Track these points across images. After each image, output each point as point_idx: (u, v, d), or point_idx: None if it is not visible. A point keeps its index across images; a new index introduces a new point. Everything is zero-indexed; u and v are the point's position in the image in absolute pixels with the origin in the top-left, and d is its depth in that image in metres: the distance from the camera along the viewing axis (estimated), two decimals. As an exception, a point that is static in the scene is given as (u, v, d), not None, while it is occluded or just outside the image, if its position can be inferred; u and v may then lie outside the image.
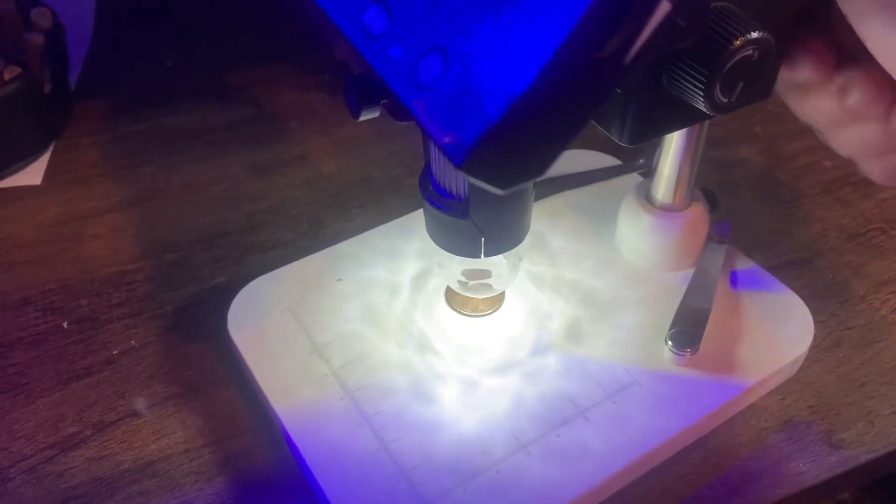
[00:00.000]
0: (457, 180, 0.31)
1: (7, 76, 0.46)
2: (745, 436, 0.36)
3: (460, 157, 0.20)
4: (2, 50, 0.47)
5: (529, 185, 0.32)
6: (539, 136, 0.20)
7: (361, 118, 0.28)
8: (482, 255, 0.33)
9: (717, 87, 0.27)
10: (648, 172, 0.42)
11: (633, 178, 0.47)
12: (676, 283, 0.40)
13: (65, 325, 0.41)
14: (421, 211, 0.44)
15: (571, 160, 0.47)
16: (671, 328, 0.37)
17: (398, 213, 0.44)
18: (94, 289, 0.42)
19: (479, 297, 0.38)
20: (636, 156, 0.47)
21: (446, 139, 0.20)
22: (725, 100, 0.27)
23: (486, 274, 0.37)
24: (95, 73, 0.57)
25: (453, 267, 0.36)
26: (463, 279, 0.37)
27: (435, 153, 0.32)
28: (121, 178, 0.49)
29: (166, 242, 0.45)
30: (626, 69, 0.20)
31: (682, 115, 0.30)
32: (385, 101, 0.28)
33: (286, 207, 0.48)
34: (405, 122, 0.28)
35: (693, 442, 0.36)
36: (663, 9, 0.19)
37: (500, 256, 0.35)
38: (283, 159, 0.51)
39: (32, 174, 0.49)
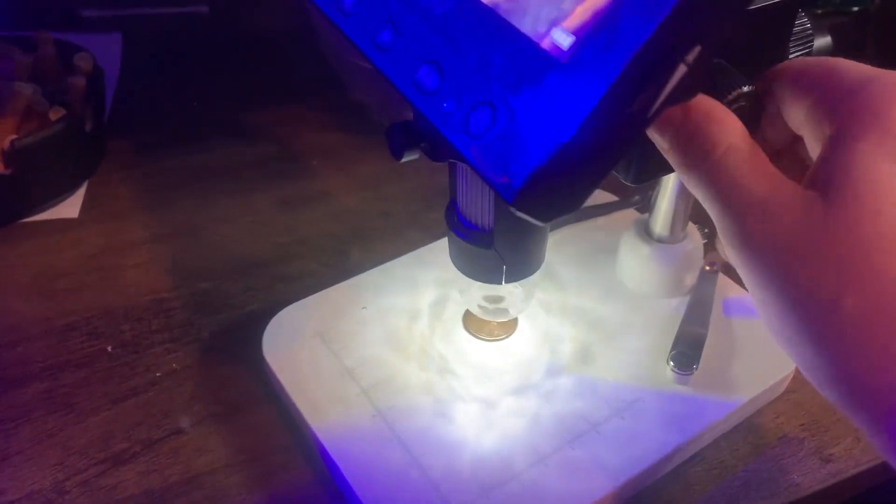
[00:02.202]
0: (482, 214, 0.35)
1: (53, 116, 0.49)
2: (743, 450, 0.39)
3: (511, 196, 0.23)
4: (45, 91, 0.51)
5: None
6: (576, 177, 0.24)
7: (403, 160, 0.32)
8: (503, 282, 0.37)
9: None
10: (643, 208, 0.46)
11: (630, 213, 0.51)
12: (673, 308, 0.44)
13: (109, 349, 0.44)
14: (438, 242, 0.48)
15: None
16: (672, 350, 0.41)
17: (417, 245, 0.48)
18: (134, 315, 0.46)
19: (496, 322, 0.42)
20: (632, 193, 0.51)
21: (499, 181, 0.24)
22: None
23: (502, 300, 0.40)
24: (124, 114, 0.60)
25: (473, 293, 0.40)
26: (483, 304, 0.40)
27: (463, 190, 0.35)
28: (154, 212, 0.53)
29: (201, 272, 0.48)
30: (649, 120, 0.24)
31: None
32: (424, 144, 0.31)
33: (312, 240, 0.51)
34: (438, 163, 0.32)
35: (695, 454, 0.39)
36: (680, 71, 0.23)
37: (516, 284, 0.38)
38: (308, 195, 0.55)
39: (69, 208, 0.52)
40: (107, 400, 0.41)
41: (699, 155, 0.26)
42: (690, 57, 0.23)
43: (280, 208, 0.54)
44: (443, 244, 0.47)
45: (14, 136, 0.48)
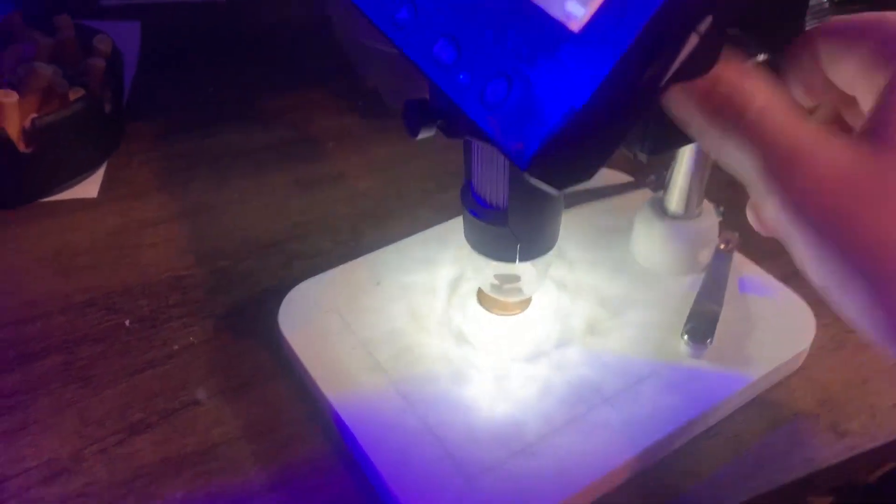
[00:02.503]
0: (497, 192, 0.35)
1: (72, 97, 0.50)
2: (758, 425, 0.39)
3: (525, 162, 0.24)
4: (65, 73, 0.51)
5: (561, 197, 0.36)
6: (589, 145, 0.24)
7: (419, 137, 0.32)
8: (517, 261, 0.37)
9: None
10: (658, 188, 0.46)
11: (644, 194, 0.51)
12: (687, 286, 0.44)
13: (127, 323, 0.44)
14: (451, 221, 0.48)
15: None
16: (686, 324, 0.41)
17: (430, 224, 0.48)
18: (152, 291, 0.46)
19: (510, 299, 0.42)
20: (647, 174, 0.51)
21: (514, 148, 0.24)
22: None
23: (516, 279, 0.40)
24: (142, 100, 0.61)
25: (488, 271, 0.40)
26: (496, 282, 0.40)
27: (478, 168, 0.35)
28: (172, 192, 0.53)
29: (218, 250, 0.49)
30: (660, 91, 0.24)
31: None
32: (440, 121, 0.32)
33: (327, 220, 0.51)
34: (453, 140, 0.32)
35: (709, 428, 0.39)
36: (692, 41, 0.23)
37: (530, 263, 0.39)
38: (322, 176, 0.55)
39: (89, 187, 0.53)
40: (124, 372, 0.41)
41: (735, 114, 0.25)
42: (702, 27, 0.23)
43: (294, 189, 0.54)
44: (456, 223, 0.48)
45: (35, 115, 0.48)
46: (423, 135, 0.32)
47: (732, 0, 0.24)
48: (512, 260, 0.37)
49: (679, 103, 0.26)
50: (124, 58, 0.56)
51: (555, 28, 0.24)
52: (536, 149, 0.24)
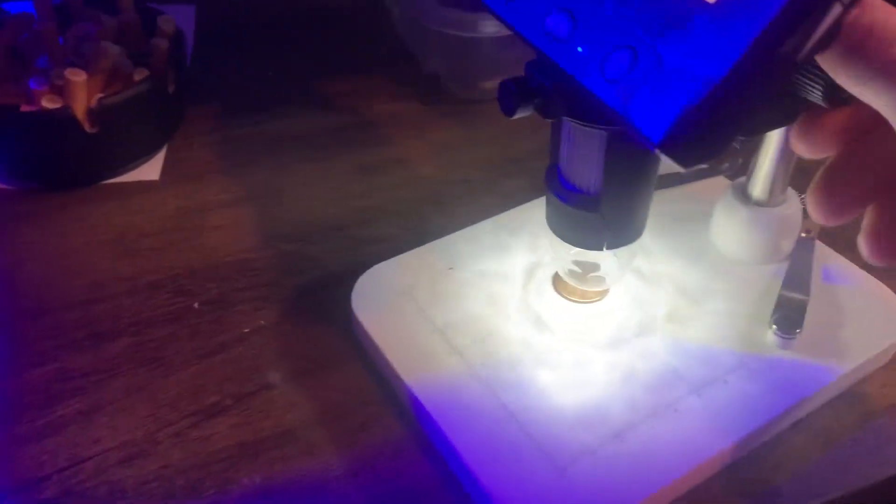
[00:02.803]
0: (589, 177, 0.34)
1: (137, 77, 0.50)
2: (848, 419, 0.38)
3: (659, 138, 0.23)
4: (129, 54, 0.51)
5: (654, 182, 0.35)
6: (723, 121, 0.23)
7: (516, 116, 0.31)
8: (604, 248, 0.36)
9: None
10: (733, 175, 0.45)
11: (720, 181, 0.50)
12: (768, 275, 0.43)
13: (196, 305, 0.43)
14: (519, 208, 0.47)
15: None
16: (774, 313, 0.39)
17: (496, 211, 0.47)
18: (219, 274, 0.45)
19: (589, 289, 0.41)
20: (722, 160, 0.50)
21: (642, 123, 0.23)
22: (844, 95, 0.30)
23: (597, 267, 0.39)
24: (199, 80, 0.60)
25: (568, 259, 0.39)
26: (576, 270, 0.39)
27: (568, 151, 0.34)
28: (234, 176, 0.52)
29: (284, 234, 0.48)
30: (797, 64, 0.23)
31: (791, 112, 0.32)
32: (537, 100, 0.31)
33: (391, 205, 0.51)
34: (548, 120, 0.31)
35: (797, 421, 0.38)
36: (836, 10, 0.22)
37: (613, 253, 0.37)
38: (384, 161, 0.54)
39: (151, 170, 0.52)
40: (195, 355, 0.41)
41: (884, 48, 0.23)
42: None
43: (357, 174, 0.53)
44: (524, 211, 0.47)
45: (101, 95, 0.48)
46: (520, 114, 0.31)
47: None
48: (599, 248, 0.36)
49: (838, 59, 0.24)
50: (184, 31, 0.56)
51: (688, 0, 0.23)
52: (670, 125, 0.23)
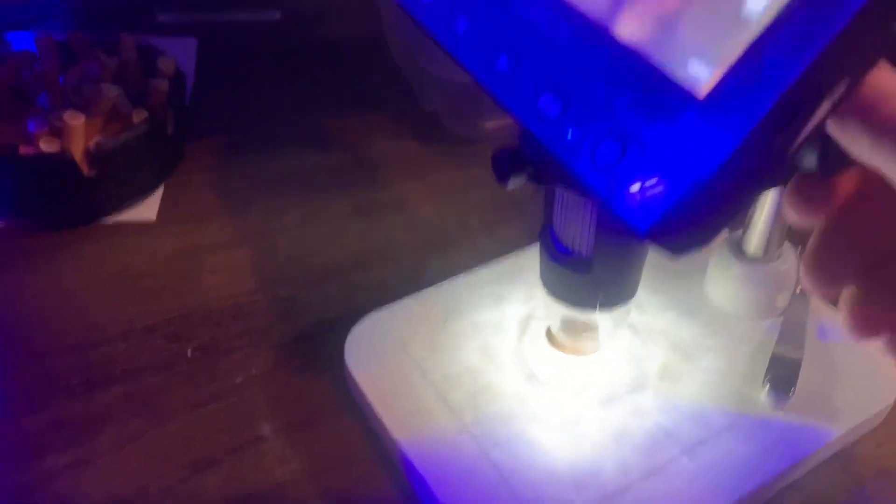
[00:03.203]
0: (582, 241, 0.34)
1: (135, 118, 0.50)
2: (842, 481, 0.38)
3: (645, 231, 0.23)
4: (128, 93, 0.51)
5: (646, 247, 0.35)
6: (713, 214, 0.23)
7: (509, 186, 0.31)
8: (597, 310, 0.36)
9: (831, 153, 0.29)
10: (731, 229, 0.45)
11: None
12: (762, 331, 0.43)
13: (189, 352, 0.43)
14: (515, 254, 0.47)
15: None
16: (767, 373, 0.39)
17: (492, 257, 0.47)
18: (213, 319, 0.45)
19: (582, 346, 0.41)
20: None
21: (629, 214, 0.23)
22: (839, 163, 0.30)
23: (592, 325, 0.39)
24: (199, 118, 0.60)
25: (561, 314, 0.39)
26: (570, 328, 0.39)
27: (561, 215, 0.34)
28: (231, 216, 0.53)
29: (279, 278, 0.48)
30: (789, 157, 0.23)
31: (787, 177, 0.32)
32: (531, 170, 0.31)
33: (388, 248, 0.51)
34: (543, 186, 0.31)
35: (791, 483, 0.37)
36: (825, 106, 0.22)
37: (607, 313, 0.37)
38: (382, 203, 0.54)
39: (148, 210, 0.52)
40: (187, 405, 0.41)
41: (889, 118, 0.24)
42: (837, 92, 0.22)
43: (355, 216, 0.53)
44: (521, 257, 0.47)
45: (99, 138, 0.48)
46: (514, 184, 0.31)
47: (870, 60, 0.23)
48: (592, 308, 0.36)
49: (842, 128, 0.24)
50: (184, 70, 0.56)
51: (676, 91, 0.23)
52: (657, 219, 0.23)
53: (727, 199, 0.23)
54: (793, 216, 0.30)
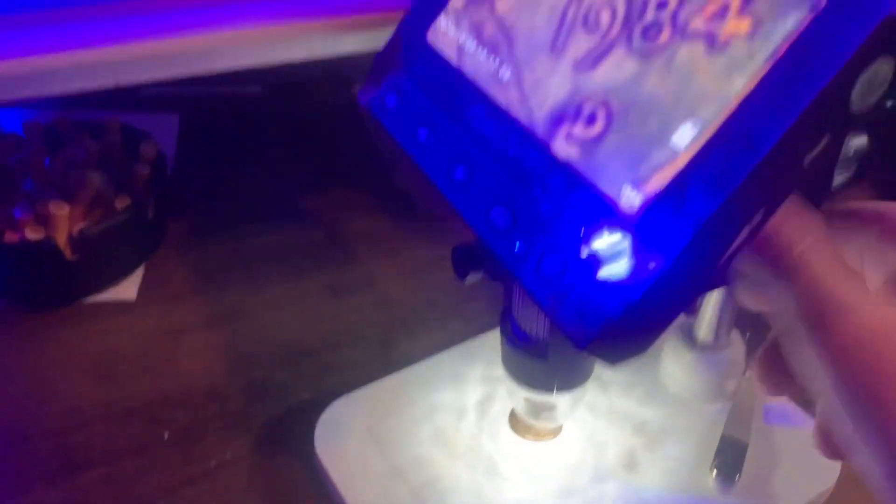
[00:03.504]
0: (537, 328, 0.36)
1: (119, 205, 0.52)
2: (783, 563, 0.40)
3: (583, 344, 0.25)
4: (111, 176, 0.53)
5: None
6: (647, 327, 0.25)
7: (466, 283, 0.33)
8: (554, 392, 0.38)
9: None
10: (688, 311, 0.47)
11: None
12: (715, 413, 0.45)
13: (165, 436, 0.45)
14: (482, 336, 0.50)
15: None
16: (714, 459, 0.41)
17: (460, 336, 0.49)
18: (190, 401, 0.47)
19: (542, 426, 0.43)
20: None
21: (569, 327, 0.25)
22: None
23: (550, 405, 0.41)
24: (180, 195, 0.63)
25: (521, 396, 0.41)
26: (530, 408, 0.41)
27: (518, 304, 0.37)
28: (209, 296, 0.55)
29: (253, 359, 0.50)
30: (714, 273, 0.25)
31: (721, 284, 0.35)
32: (487, 266, 0.33)
33: (359, 328, 0.53)
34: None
35: (736, 567, 0.40)
36: (745, 232, 0.25)
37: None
38: (355, 282, 0.56)
39: (128, 290, 0.54)
40: (163, 489, 0.42)
41: (779, 250, 0.27)
42: (755, 220, 0.25)
43: (328, 295, 0.55)
44: (486, 338, 0.49)
45: (83, 224, 0.50)
46: (471, 280, 0.34)
47: (785, 191, 0.25)
48: (549, 391, 0.38)
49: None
50: (165, 152, 0.58)
51: (612, 213, 0.25)
52: (595, 333, 0.25)
53: (660, 312, 0.25)
54: (765, 391, 0.32)
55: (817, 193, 0.35)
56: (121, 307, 0.53)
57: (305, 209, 0.63)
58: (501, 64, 0.30)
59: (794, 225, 0.27)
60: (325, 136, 0.72)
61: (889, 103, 0.80)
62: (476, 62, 0.31)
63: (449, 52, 0.32)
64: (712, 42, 0.24)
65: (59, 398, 0.47)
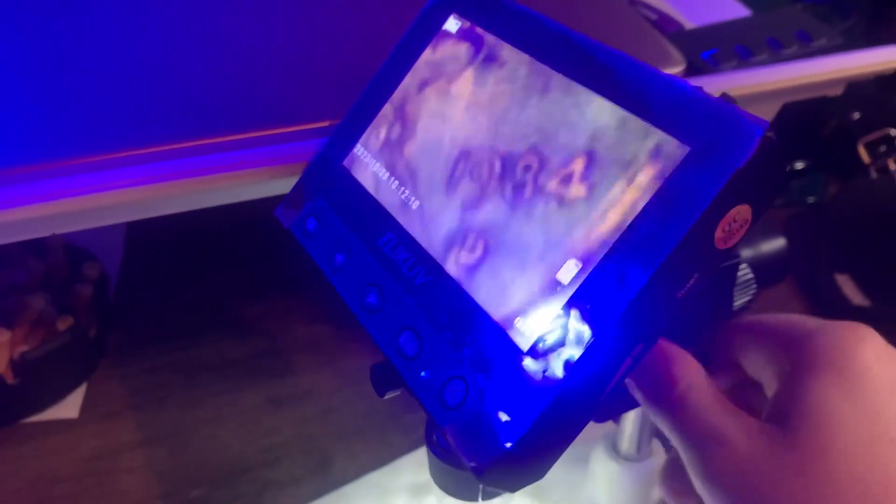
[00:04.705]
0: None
1: (61, 326, 0.53)
2: None
3: (479, 474, 0.26)
4: (53, 297, 0.54)
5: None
6: (540, 456, 0.27)
7: (385, 398, 0.35)
8: (479, 500, 0.40)
9: None
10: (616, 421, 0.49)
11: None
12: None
13: (100, 564, 0.45)
14: (417, 451, 0.51)
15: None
16: (639, 574, 0.43)
17: (398, 448, 0.51)
18: (127, 526, 0.48)
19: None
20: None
21: (469, 457, 0.26)
22: None
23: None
24: (123, 307, 0.64)
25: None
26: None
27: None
28: (149, 412, 0.55)
29: (191, 477, 0.51)
30: (602, 403, 0.27)
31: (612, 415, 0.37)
32: (403, 385, 0.35)
33: (298, 443, 0.54)
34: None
35: None
36: (626, 364, 0.27)
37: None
38: (294, 393, 0.58)
39: (69, 408, 0.55)
40: None
41: (661, 391, 0.29)
42: (636, 352, 0.27)
43: (267, 407, 0.56)
44: (420, 453, 0.51)
45: (24, 348, 0.51)
46: (389, 395, 0.35)
47: (666, 323, 0.27)
48: (474, 499, 0.40)
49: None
50: (107, 263, 0.59)
51: (505, 343, 0.27)
52: (488, 465, 0.26)
53: (551, 441, 0.27)
54: (669, 502, 0.34)
55: (717, 317, 0.39)
56: (62, 425, 0.54)
57: (247, 318, 0.65)
58: (410, 195, 0.33)
59: (671, 368, 0.30)
60: (269, 242, 0.74)
61: (810, 199, 0.84)
62: (389, 191, 0.34)
63: (365, 179, 0.35)
64: (561, 201, 0.28)
65: (-7, 527, 0.47)
